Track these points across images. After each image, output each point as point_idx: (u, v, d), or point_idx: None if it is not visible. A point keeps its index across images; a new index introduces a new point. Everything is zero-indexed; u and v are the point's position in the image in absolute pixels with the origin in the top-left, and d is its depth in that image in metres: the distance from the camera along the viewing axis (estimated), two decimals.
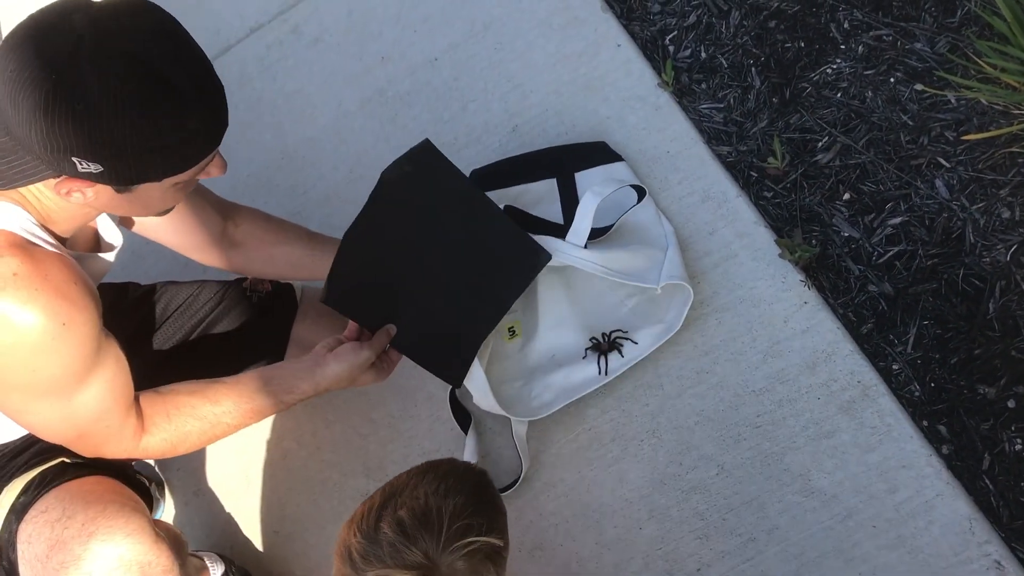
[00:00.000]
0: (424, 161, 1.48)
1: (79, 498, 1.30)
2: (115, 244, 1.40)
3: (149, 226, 1.51)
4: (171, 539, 1.37)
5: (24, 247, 1.13)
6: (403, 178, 1.48)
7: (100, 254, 1.37)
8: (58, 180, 1.09)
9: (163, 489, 1.90)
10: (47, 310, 1.12)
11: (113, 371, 1.26)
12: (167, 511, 1.88)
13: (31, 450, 1.40)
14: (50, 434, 1.29)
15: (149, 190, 1.15)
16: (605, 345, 1.61)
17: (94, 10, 1.02)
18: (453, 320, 1.55)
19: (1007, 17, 1.43)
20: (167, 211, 1.30)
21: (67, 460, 1.38)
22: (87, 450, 1.32)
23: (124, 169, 1.07)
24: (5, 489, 1.34)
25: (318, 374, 1.43)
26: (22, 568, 1.28)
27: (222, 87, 1.13)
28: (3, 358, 1.13)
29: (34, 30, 1.01)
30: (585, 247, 1.54)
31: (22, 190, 1.14)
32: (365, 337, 1.48)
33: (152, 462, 1.93)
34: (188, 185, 1.22)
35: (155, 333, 1.67)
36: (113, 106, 1.01)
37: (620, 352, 1.61)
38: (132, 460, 1.51)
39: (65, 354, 1.16)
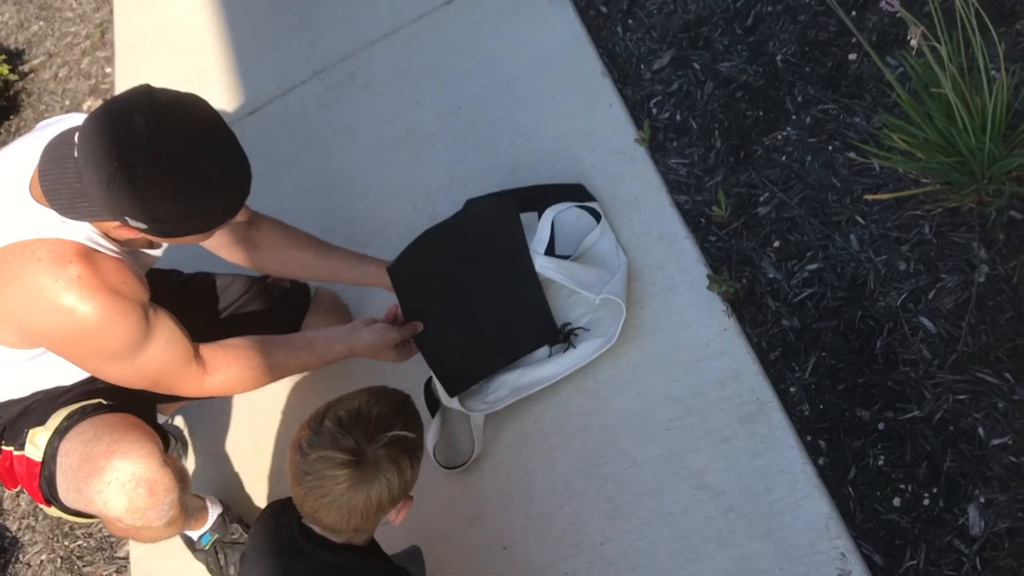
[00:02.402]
0: (504, 212, 1.94)
1: (108, 425, 1.65)
2: (163, 244, 1.76)
3: None
4: (176, 470, 1.70)
5: (87, 255, 1.49)
6: (483, 214, 1.97)
7: (149, 251, 1.73)
8: (115, 225, 1.46)
9: (187, 449, 2.25)
10: (102, 304, 1.47)
11: (166, 336, 1.61)
12: (188, 467, 2.22)
13: (76, 391, 1.75)
14: (129, 384, 1.64)
15: (183, 240, 1.53)
16: (563, 335, 1.91)
17: (154, 111, 1.36)
18: (467, 348, 1.92)
19: (904, 100, 1.69)
20: None
21: (103, 401, 1.73)
22: (165, 391, 1.67)
23: (164, 230, 1.46)
24: (52, 416, 1.68)
25: (354, 338, 1.83)
26: (59, 476, 1.63)
27: (248, 171, 1.48)
28: (74, 337, 1.50)
29: (105, 121, 1.37)
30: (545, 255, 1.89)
31: None
32: (397, 323, 1.89)
33: (182, 427, 2.29)
34: (213, 233, 1.57)
35: (194, 311, 2.03)
36: (158, 194, 1.38)
37: (572, 343, 1.90)
38: (201, 398, 1.82)
39: (120, 333, 1.52)
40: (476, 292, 1.93)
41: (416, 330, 1.90)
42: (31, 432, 1.65)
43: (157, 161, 1.35)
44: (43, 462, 1.63)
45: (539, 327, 1.91)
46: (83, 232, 1.48)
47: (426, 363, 1.93)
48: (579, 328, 1.92)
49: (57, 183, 1.43)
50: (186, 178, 1.38)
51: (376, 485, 1.36)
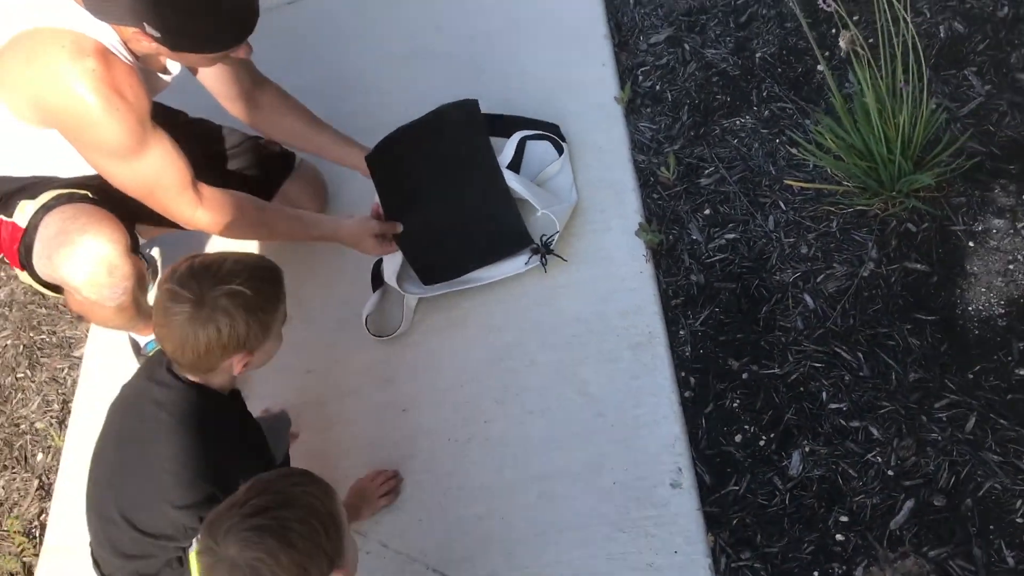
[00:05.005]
0: (471, 117, 2.19)
1: (88, 211, 1.88)
2: (173, 71, 1.98)
3: (199, 68, 2.09)
4: (138, 266, 1.92)
5: (105, 54, 1.70)
6: (452, 119, 2.19)
7: (161, 74, 1.95)
8: (134, 30, 1.68)
9: (156, 276, 2.49)
10: (107, 99, 1.68)
11: (163, 151, 1.81)
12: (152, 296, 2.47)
13: (69, 180, 1.98)
14: (125, 187, 1.83)
15: (190, 57, 1.77)
16: (542, 248, 2.11)
17: None
18: (445, 248, 2.14)
19: (837, 101, 1.90)
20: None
21: (90, 195, 1.95)
22: (157, 207, 1.87)
23: (173, 42, 1.68)
24: (44, 193, 1.91)
25: (338, 224, 2.09)
26: (36, 244, 1.87)
27: (255, 11, 1.71)
28: (78, 122, 1.71)
29: None
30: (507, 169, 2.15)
31: None
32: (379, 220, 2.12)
33: (157, 257, 2.53)
34: (219, 59, 1.79)
35: (194, 148, 2.24)
36: (174, 4, 1.61)
37: (553, 252, 2.10)
38: (189, 227, 1.97)
39: (117, 131, 1.72)
40: (451, 193, 2.16)
41: (396, 229, 2.12)
42: (22, 203, 1.88)
43: None
44: (26, 230, 1.87)
45: (515, 235, 2.11)
46: (106, 36, 1.71)
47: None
48: (554, 237, 2.12)
49: None
50: None
51: (207, 328, 1.52)
